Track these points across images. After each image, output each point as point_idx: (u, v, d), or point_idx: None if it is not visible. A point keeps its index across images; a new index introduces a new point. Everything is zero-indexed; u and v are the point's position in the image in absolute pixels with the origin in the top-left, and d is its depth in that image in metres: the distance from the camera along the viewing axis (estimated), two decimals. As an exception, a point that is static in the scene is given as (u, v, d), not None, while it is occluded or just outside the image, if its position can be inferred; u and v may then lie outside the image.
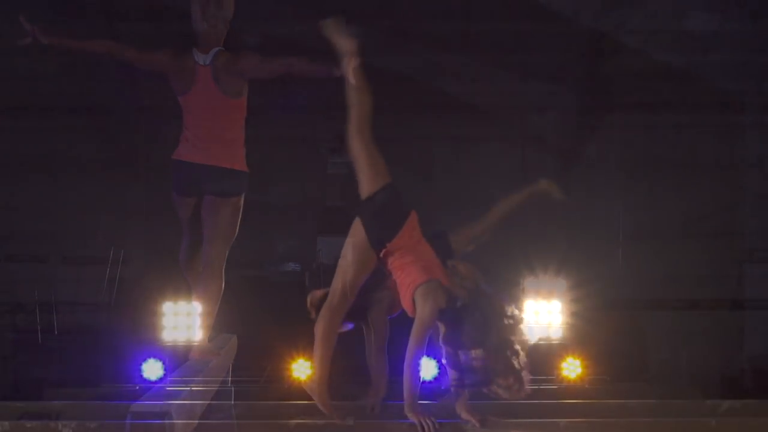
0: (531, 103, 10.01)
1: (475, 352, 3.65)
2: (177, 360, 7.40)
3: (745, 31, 9.18)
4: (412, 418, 3.60)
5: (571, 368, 7.05)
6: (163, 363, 6.80)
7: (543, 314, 7.61)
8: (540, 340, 7.60)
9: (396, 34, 9.15)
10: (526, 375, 3.57)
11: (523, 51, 9.45)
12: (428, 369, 6.14)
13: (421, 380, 3.77)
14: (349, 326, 4.32)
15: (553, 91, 9.91)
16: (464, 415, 3.71)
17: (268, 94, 9.67)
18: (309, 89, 9.27)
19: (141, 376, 6.75)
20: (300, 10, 9.06)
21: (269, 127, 9.94)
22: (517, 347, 3.63)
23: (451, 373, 3.86)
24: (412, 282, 3.82)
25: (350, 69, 4.17)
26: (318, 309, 4.19)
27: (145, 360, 6.80)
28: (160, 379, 6.73)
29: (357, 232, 3.99)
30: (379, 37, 9.13)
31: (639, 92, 9.86)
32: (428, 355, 5.88)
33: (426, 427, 3.61)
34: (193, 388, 6.36)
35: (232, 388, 6.14)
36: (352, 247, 3.99)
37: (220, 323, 8.69)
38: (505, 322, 3.70)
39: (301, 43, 9.29)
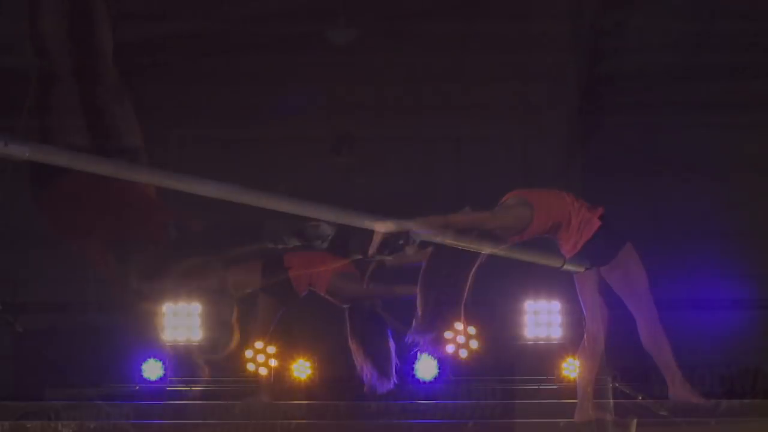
0: (531, 103, 10.01)
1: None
2: (177, 360, 7.42)
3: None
4: None
5: (571, 368, 7.05)
6: (163, 363, 6.80)
7: (543, 314, 7.61)
8: (540, 340, 7.61)
9: (395, 33, 9.15)
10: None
11: (523, 51, 9.44)
12: (428, 369, 6.15)
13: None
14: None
15: (553, 91, 9.90)
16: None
17: (269, 94, 9.72)
18: (309, 89, 9.28)
19: (141, 376, 6.75)
20: (299, 9, 9.07)
21: (270, 127, 10.00)
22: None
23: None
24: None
25: None
26: None
27: (145, 360, 6.79)
28: (160, 379, 6.73)
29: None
30: (379, 37, 9.14)
31: (639, 92, 9.86)
32: (429, 355, 5.89)
33: None
34: (193, 388, 6.38)
35: (233, 389, 6.14)
36: None
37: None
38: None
39: (301, 42, 9.34)
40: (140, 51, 9.56)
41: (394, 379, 4.15)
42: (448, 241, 3.64)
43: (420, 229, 3.57)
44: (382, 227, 3.59)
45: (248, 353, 6.53)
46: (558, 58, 9.60)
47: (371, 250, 3.57)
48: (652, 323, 3.94)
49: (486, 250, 3.70)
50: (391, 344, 4.21)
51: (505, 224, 3.76)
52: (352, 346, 4.23)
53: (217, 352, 4.30)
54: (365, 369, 4.16)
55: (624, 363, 7.05)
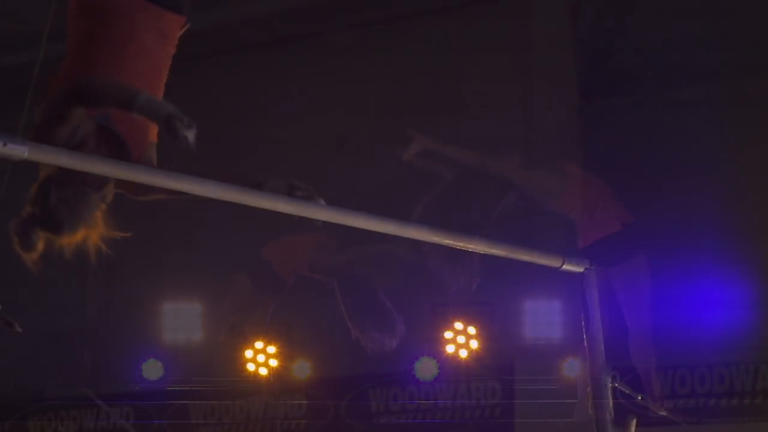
0: (531, 103, 10.01)
1: None
2: (177, 360, 7.42)
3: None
4: None
5: (571, 368, 7.04)
6: (163, 363, 6.80)
7: (543, 314, 7.61)
8: (540, 340, 7.61)
9: (395, 33, 9.17)
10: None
11: (524, 51, 9.46)
12: (428, 369, 6.15)
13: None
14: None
15: (553, 91, 9.91)
16: None
17: (269, 94, 9.73)
18: (309, 89, 9.28)
19: (141, 376, 6.76)
20: (299, 9, 9.09)
21: (270, 127, 10.00)
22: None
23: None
24: None
25: None
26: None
27: (145, 360, 6.79)
28: (160, 379, 6.74)
29: None
30: (379, 37, 9.16)
31: (639, 92, 9.86)
32: (428, 356, 5.89)
33: None
34: (193, 388, 6.38)
35: (233, 389, 6.14)
36: None
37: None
38: None
39: (301, 42, 9.35)
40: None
41: (399, 333, 4.12)
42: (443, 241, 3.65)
43: (456, 155, 3.70)
44: (421, 139, 3.75)
45: (248, 353, 6.54)
46: (558, 58, 9.61)
47: (406, 156, 3.68)
48: (643, 339, 3.97)
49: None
50: (386, 301, 4.18)
51: (540, 188, 3.84)
52: (347, 317, 4.20)
53: None
54: (363, 331, 4.13)
55: (624, 363, 7.07)
